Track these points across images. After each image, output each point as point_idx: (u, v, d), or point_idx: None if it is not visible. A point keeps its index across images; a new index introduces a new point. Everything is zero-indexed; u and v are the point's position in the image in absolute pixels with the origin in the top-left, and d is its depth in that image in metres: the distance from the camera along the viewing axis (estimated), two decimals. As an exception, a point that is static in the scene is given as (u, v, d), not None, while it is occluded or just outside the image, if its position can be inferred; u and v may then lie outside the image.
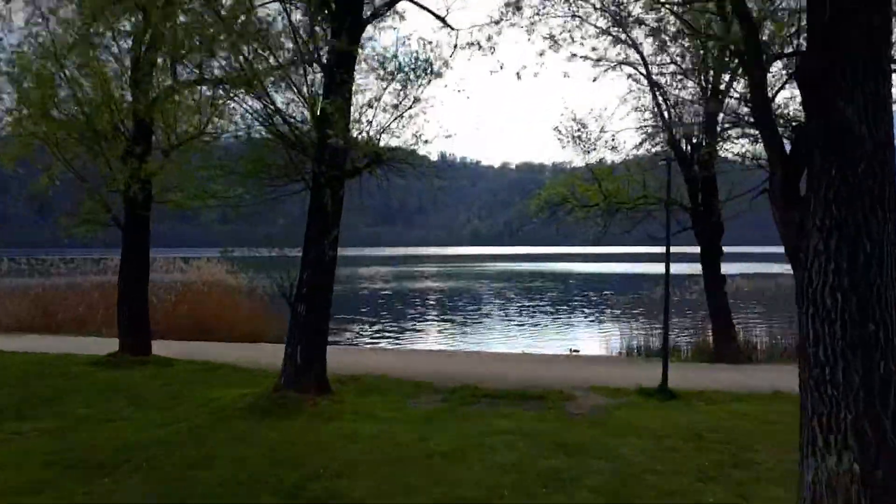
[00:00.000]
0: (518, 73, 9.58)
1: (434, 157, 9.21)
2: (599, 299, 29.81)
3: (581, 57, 11.82)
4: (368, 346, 17.08)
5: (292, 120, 7.92)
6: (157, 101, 10.15)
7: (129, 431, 6.39)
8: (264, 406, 7.49)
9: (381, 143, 8.36)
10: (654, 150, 13.72)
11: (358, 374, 10.22)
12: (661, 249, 9.83)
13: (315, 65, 7.83)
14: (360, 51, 8.10)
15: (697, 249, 13.34)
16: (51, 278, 21.60)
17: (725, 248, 13.20)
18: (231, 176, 8.72)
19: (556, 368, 12.02)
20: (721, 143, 11.17)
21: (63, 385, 8.82)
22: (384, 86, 8.18)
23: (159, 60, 10.93)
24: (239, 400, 7.88)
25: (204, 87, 10.59)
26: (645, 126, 13.26)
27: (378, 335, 19.38)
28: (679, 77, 11.73)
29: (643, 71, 13.03)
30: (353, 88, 8.06)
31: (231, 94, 9.25)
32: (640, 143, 13.67)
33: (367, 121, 8.39)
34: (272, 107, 8.02)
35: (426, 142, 8.54)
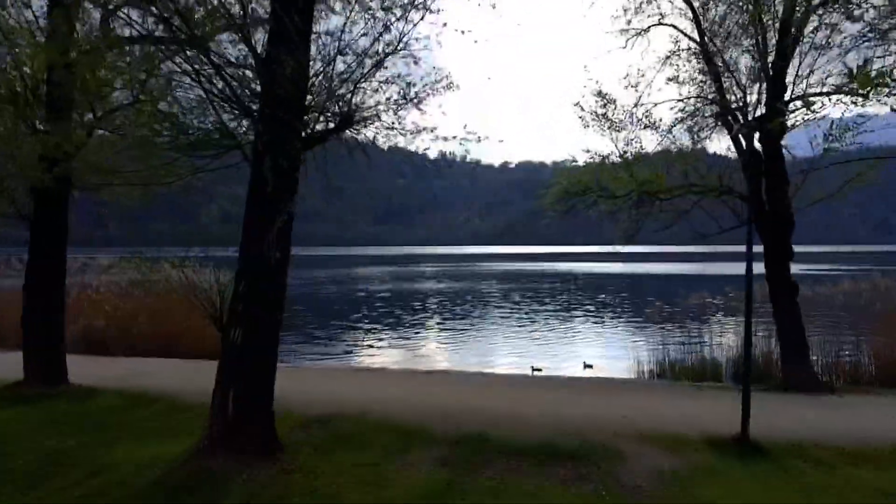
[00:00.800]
0: None
1: (430, 142, 6.65)
2: (617, 305, 27.24)
3: None
4: (353, 365, 14.55)
5: (221, 62, 5.42)
6: (77, 61, 7.75)
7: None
8: (175, 483, 5.04)
9: (354, 101, 5.90)
10: (696, 129, 11.28)
11: (330, 412, 7.91)
12: (702, 249, 7.41)
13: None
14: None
15: (733, 249, 10.91)
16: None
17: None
18: (146, 147, 6.22)
19: (583, 399, 9.56)
20: (796, 113, 8.64)
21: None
22: (357, 18, 5.73)
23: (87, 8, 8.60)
24: (145, 469, 5.41)
25: (136, 47, 8.24)
26: (689, 98, 10.79)
27: (369, 347, 16.89)
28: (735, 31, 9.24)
29: (688, 31, 10.63)
30: (314, 16, 5.61)
31: (168, 55, 6.85)
32: (682, 120, 11.21)
33: (337, 72, 5.96)
34: (202, 55, 5.55)
35: (415, 100, 6.10)
